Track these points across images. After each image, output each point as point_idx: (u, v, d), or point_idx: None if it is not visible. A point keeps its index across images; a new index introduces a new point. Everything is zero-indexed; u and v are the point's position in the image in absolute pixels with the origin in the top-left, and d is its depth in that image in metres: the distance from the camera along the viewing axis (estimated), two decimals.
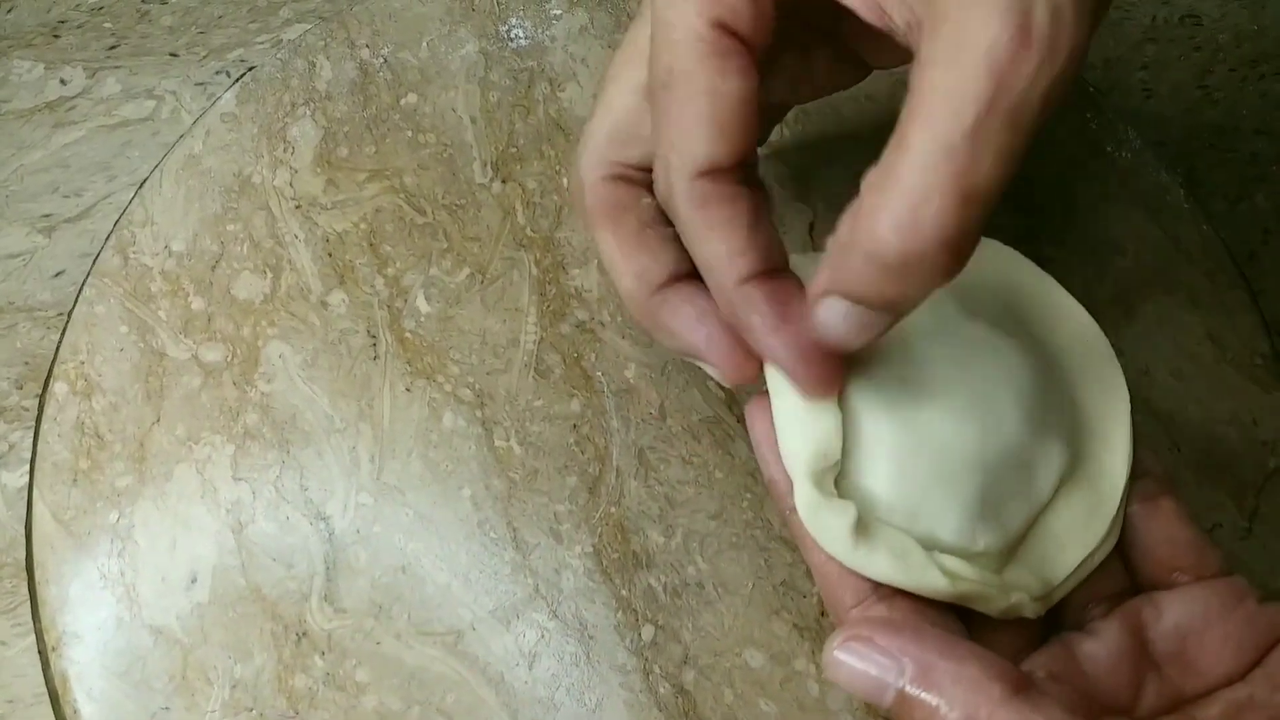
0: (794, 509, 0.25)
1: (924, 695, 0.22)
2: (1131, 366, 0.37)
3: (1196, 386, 0.37)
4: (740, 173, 0.25)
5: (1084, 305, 0.38)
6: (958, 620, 0.26)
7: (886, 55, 0.29)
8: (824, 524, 0.25)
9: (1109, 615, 0.26)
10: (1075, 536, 0.27)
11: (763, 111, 0.25)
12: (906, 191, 0.20)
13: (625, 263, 0.28)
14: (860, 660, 0.23)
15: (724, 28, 0.23)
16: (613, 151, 0.28)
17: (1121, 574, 0.28)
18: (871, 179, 0.21)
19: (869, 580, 0.25)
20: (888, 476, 0.26)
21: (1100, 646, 0.26)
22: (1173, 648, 0.26)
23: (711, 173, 0.24)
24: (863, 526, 0.25)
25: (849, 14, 0.24)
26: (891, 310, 0.22)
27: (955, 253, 0.21)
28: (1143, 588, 0.27)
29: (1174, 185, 0.40)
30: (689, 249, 0.25)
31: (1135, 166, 0.40)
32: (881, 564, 0.25)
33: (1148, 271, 0.39)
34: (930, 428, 0.26)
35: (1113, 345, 0.38)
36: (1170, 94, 0.50)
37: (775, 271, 0.25)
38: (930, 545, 0.26)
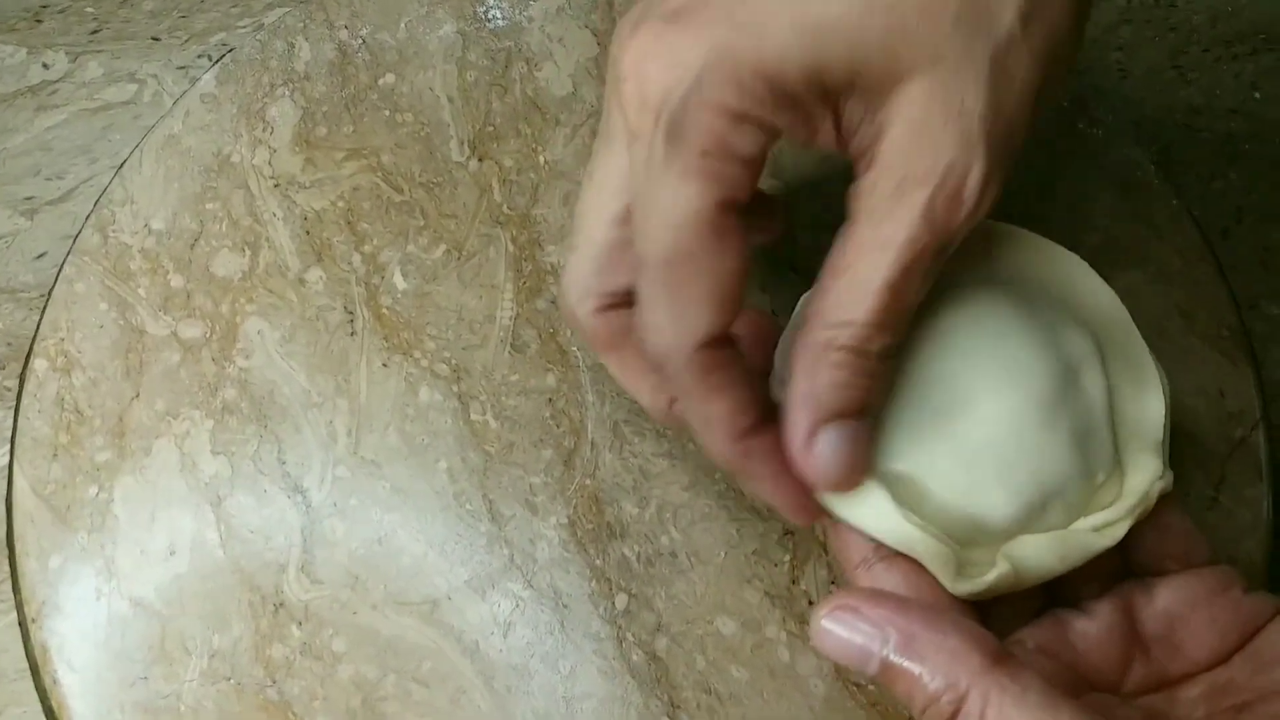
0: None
1: (906, 664, 0.23)
2: None
3: (1165, 359, 0.37)
4: (730, 333, 0.26)
5: None
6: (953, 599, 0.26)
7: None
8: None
9: (1102, 596, 0.27)
10: (1058, 547, 0.27)
11: None
12: (853, 305, 0.24)
13: (640, 383, 0.30)
14: (846, 629, 0.24)
15: (727, 205, 0.24)
16: (599, 284, 0.29)
17: (1117, 556, 0.29)
18: (817, 306, 0.25)
19: (874, 545, 0.26)
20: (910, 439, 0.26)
21: (1091, 624, 0.26)
22: (1161, 630, 0.26)
23: (710, 343, 0.25)
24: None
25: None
26: (867, 408, 0.25)
27: (891, 338, 0.25)
28: (1135, 572, 0.28)
29: (1145, 162, 0.41)
30: (686, 408, 0.26)
31: (1106, 143, 0.41)
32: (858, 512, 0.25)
33: (1118, 247, 0.39)
34: (959, 406, 0.26)
35: None
36: (1145, 75, 0.50)
37: (762, 423, 0.26)
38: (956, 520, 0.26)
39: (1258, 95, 0.50)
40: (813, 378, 0.25)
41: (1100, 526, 0.26)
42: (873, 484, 0.26)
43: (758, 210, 0.29)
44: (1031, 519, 0.26)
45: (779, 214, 0.32)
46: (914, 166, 0.23)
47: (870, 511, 0.26)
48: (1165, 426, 0.28)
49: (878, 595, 0.24)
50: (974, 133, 0.23)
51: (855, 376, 0.24)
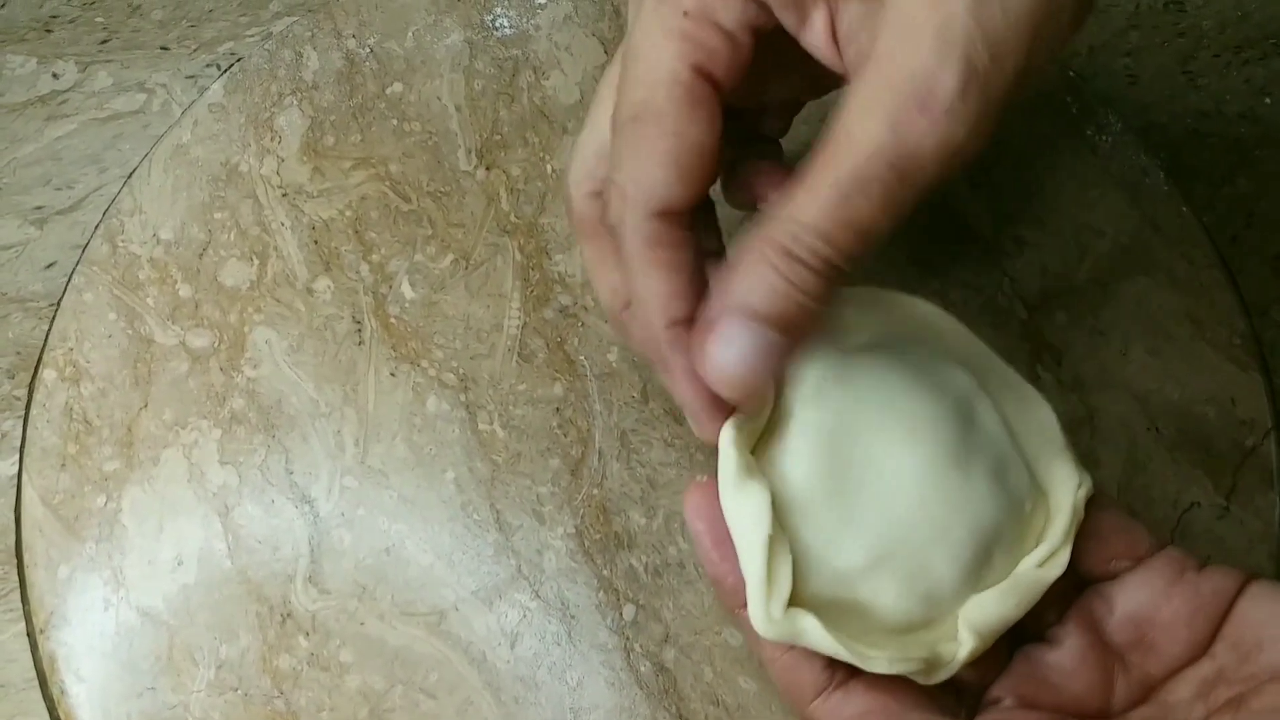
0: (741, 608, 0.25)
1: None
2: (1110, 347, 0.37)
3: (1175, 366, 0.37)
4: (690, 216, 0.25)
5: (1063, 286, 0.39)
6: (919, 690, 0.25)
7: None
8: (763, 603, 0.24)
9: (1064, 619, 0.26)
10: (1013, 595, 0.26)
11: (757, 126, 0.26)
12: (801, 205, 0.22)
13: (603, 276, 0.29)
14: None
15: (702, 71, 0.24)
16: (600, 168, 0.28)
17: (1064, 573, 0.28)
18: (772, 203, 0.23)
19: (826, 670, 0.24)
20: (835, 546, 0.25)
21: (1063, 655, 0.26)
22: (1130, 637, 0.26)
23: (665, 214, 0.25)
24: (801, 601, 0.24)
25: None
26: (789, 323, 0.23)
27: (833, 269, 0.23)
28: (1085, 580, 0.27)
29: (1154, 168, 0.40)
30: (627, 277, 0.26)
31: (1115, 150, 0.41)
32: (803, 639, 0.24)
33: (1127, 253, 0.39)
34: (880, 494, 0.25)
35: (1092, 326, 0.38)
36: (1154, 80, 0.50)
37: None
38: (870, 612, 0.25)
39: (1268, 100, 0.50)
40: (744, 270, 0.23)
41: (1044, 559, 0.25)
42: (814, 624, 0.24)
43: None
44: (980, 574, 0.25)
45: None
46: (891, 71, 0.22)
47: (827, 647, 0.24)
48: (1061, 430, 0.27)
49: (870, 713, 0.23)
50: (953, 38, 0.21)
51: (781, 280, 0.23)
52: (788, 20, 0.24)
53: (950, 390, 0.26)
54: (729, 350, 0.23)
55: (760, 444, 0.26)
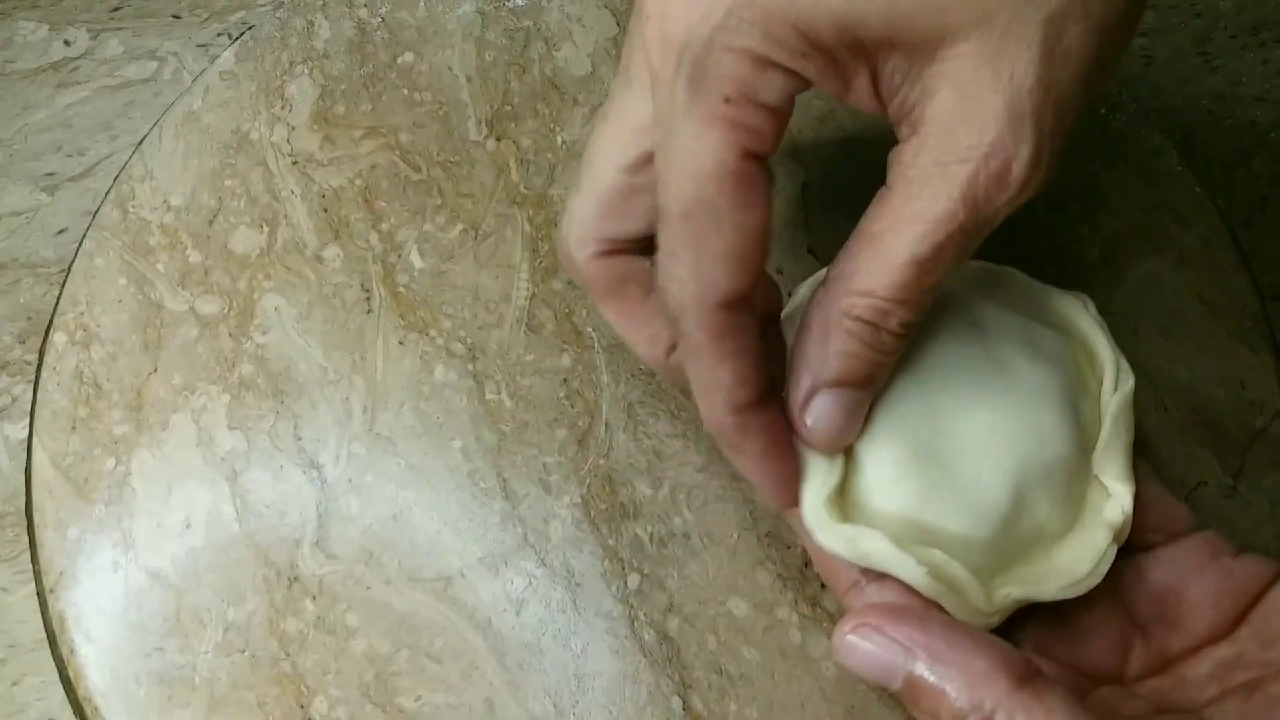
0: (790, 505, 0.26)
1: (933, 680, 0.23)
2: (1121, 326, 0.37)
3: (1185, 346, 0.37)
4: (751, 297, 0.25)
5: (1074, 266, 0.39)
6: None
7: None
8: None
9: None
10: (1072, 556, 0.26)
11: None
12: (877, 275, 0.23)
13: (639, 332, 0.29)
14: (870, 644, 0.23)
15: (751, 155, 0.23)
16: (602, 229, 0.28)
17: None
18: (842, 268, 0.24)
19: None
20: (896, 464, 0.26)
21: (1086, 614, 0.26)
22: (1155, 609, 0.26)
23: (729, 304, 0.24)
24: (849, 507, 0.26)
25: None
26: (872, 380, 0.25)
27: (912, 327, 0.24)
28: (1120, 550, 0.27)
29: (1167, 148, 0.40)
30: (692, 368, 0.26)
31: (1129, 129, 0.40)
32: (860, 546, 0.25)
33: (1139, 233, 0.39)
34: (954, 424, 0.26)
35: (1102, 306, 0.38)
36: (1169, 61, 0.49)
37: (764, 399, 0.26)
38: (930, 538, 0.26)
39: None
40: (823, 342, 0.24)
41: (1095, 561, 0.26)
42: (872, 531, 0.25)
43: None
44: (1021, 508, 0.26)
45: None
46: (959, 139, 0.22)
47: (878, 554, 0.25)
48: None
49: (899, 611, 0.24)
50: (1024, 109, 0.22)
51: (866, 349, 0.24)
52: (830, 87, 0.24)
53: (1054, 374, 0.27)
54: (824, 417, 0.25)
55: None
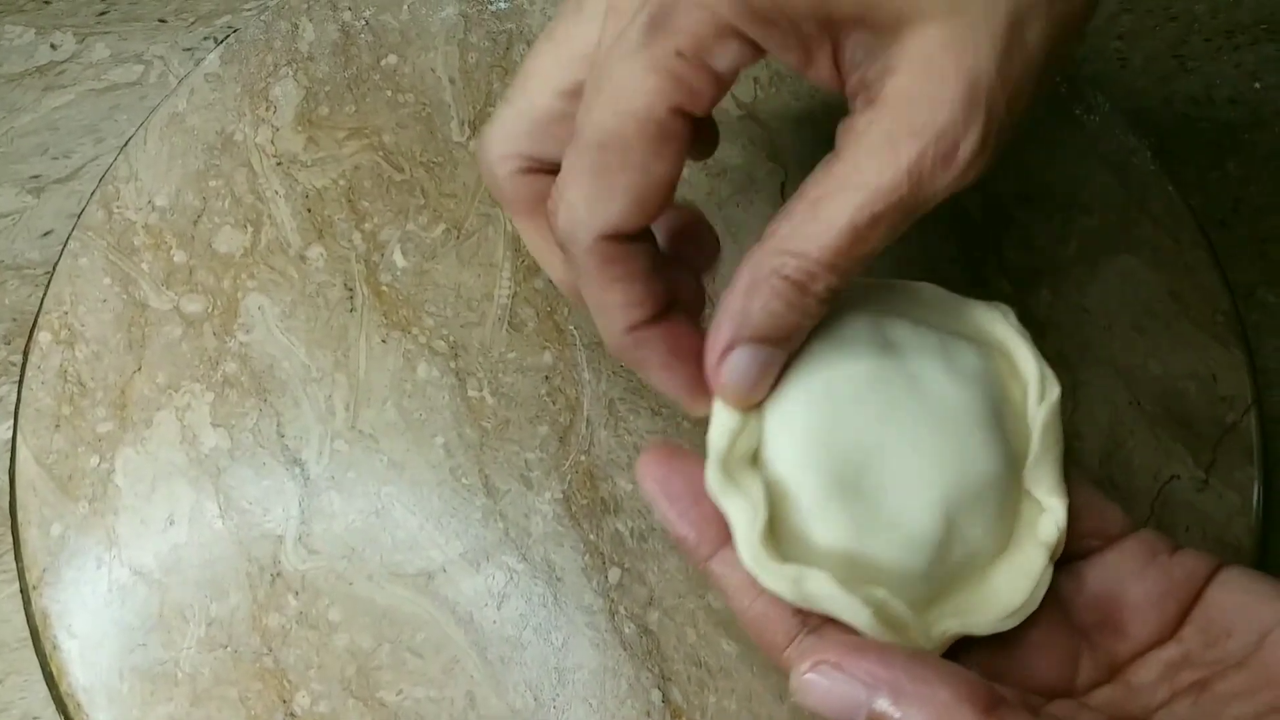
0: (707, 560, 0.25)
1: (897, 716, 0.22)
2: (1094, 323, 0.38)
3: (1158, 342, 0.38)
4: (643, 230, 0.25)
5: (1049, 264, 0.39)
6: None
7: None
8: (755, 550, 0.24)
9: None
10: (1008, 583, 0.25)
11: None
12: (811, 238, 0.23)
13: (548, 254, 0.29)
14: (831, 682, 0.22)
15: (680, 112, 0.24)
16: (527, 146, 0.28)
17: None
18: (777, 227, 0.24)
19: (796, 616, 0.24)
20: (816, 491, 0.25)
21: (1029, 631, 0.26)
22: (1098, 616, 0.26)
23: (617, 236, 0.25)
24: (780, 544, 0.24)
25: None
26: (791, 340, 0.25)
27: (836, 295, 0.24)
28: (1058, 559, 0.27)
29: (1141, 148, 0.41)
30: (585, 292, 0.26)
31: (1103, 129, 0.41)
32: (805, 587, 0.24)
33: (1112, 231, 0.39)
34: (877, 447, 0.25)
35: (1077, 302, 0.38)
36: (1145, 63, 0.50)
37: (660, 315, 0.26)
38: (865, 572, 0.25)
39: (1258, 85, 0.50)
40: (748, 296, 0.24)
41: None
42: (817, 572, 0.24)
43: (703, 133, 0.28)
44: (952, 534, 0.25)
45: (713, 143, 0.31)
46: (913, 116, 0.22)
47: (824, 596, 0.24)
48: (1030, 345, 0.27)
49: (859, 646, 0.23)
50: (979, 96, 0.22)
51: (789, 309, 0.24)
52: (790, 60, 0.24)
53: (979, 386, 0.26)
54: (738, 370, 0.25)
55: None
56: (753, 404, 0.25)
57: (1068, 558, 0.26)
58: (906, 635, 0.24)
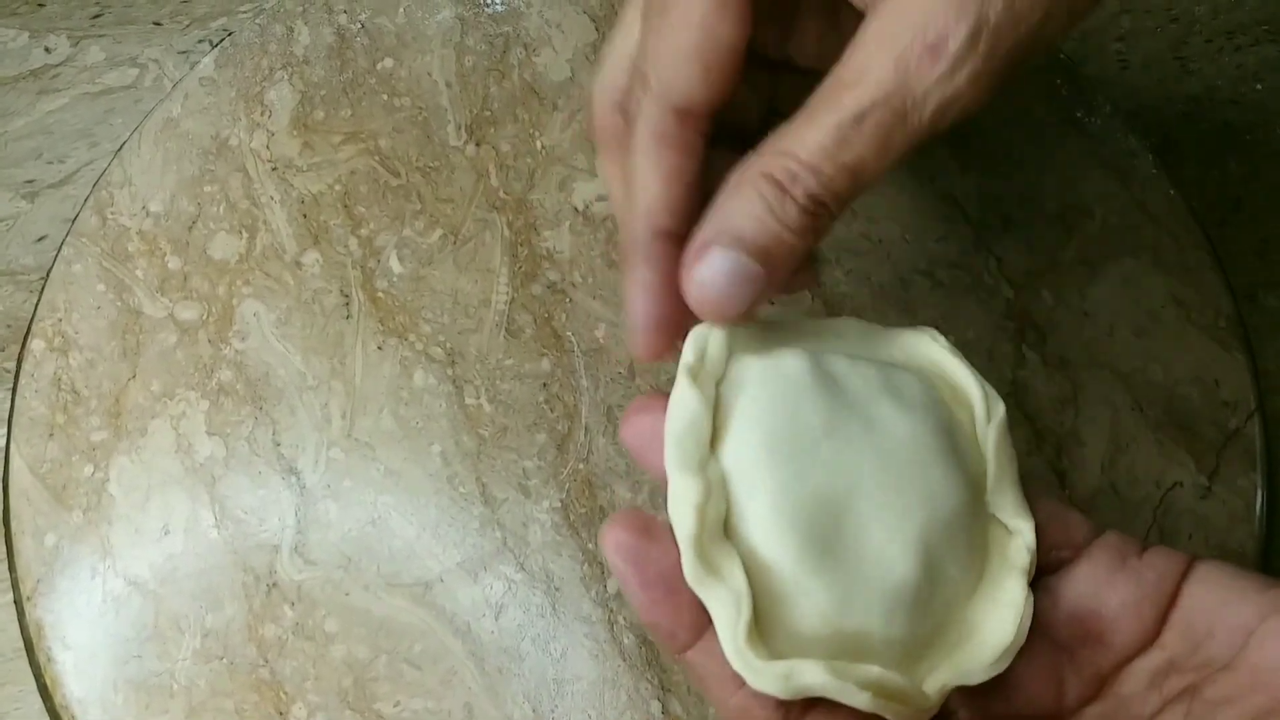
0: (685, 649, 0.23)
1: None
2: (1095, 327, 0.38)
3: (1160, 346, 0.37)
4: (707, 123, 0.25)
5: (1050, 266, 0.39)
6: None
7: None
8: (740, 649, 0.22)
9: None
10: (992, 619, 0.24)
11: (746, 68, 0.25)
12: (798, 138, 0.23)
13: (624, 193, 0.28)
14: None
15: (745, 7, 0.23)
16: (625, 81, 0.27)
17: None
18: (772, 139, 0.23)
19: (780, 708, 0.23)
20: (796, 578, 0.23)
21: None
22: (1077, 630, 0.25)
23: (683, 111, 0.24)
24: (763, 629, 0.23)
25: None
26: (772, 256, 0.24)
27: (821, 207, 0.23)
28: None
29: (1143, 151, 0.40)
30: (628, 168, 0.25)
31: (1105, 132, 0.41)
32: (798, 682, 0.22)
33: (1114, 234, 0.39)
34: (844, 503, 0.23)
35: (1078, 305, 0.38)
36: (1145, 64, 0.50)
37: (680, 239, 0.25)
38: (854, 644, 0.23)
39: (1259, 86, 0.50)
40: (731, 196, 0.23)
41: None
42: (808, 663, 0.22)
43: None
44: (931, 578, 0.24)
45: None
46: (905, 13, 0.22)
47: (818, 688, 0.22)
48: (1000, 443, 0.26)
49: None
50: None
51: (768, 213, 0.23)
52: None
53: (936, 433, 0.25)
54: (710, 272, 0.23)
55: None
56: (721, 318, 0.24)
57: (1039, 573, 0.25)
58: (907, 702, 0.23)
